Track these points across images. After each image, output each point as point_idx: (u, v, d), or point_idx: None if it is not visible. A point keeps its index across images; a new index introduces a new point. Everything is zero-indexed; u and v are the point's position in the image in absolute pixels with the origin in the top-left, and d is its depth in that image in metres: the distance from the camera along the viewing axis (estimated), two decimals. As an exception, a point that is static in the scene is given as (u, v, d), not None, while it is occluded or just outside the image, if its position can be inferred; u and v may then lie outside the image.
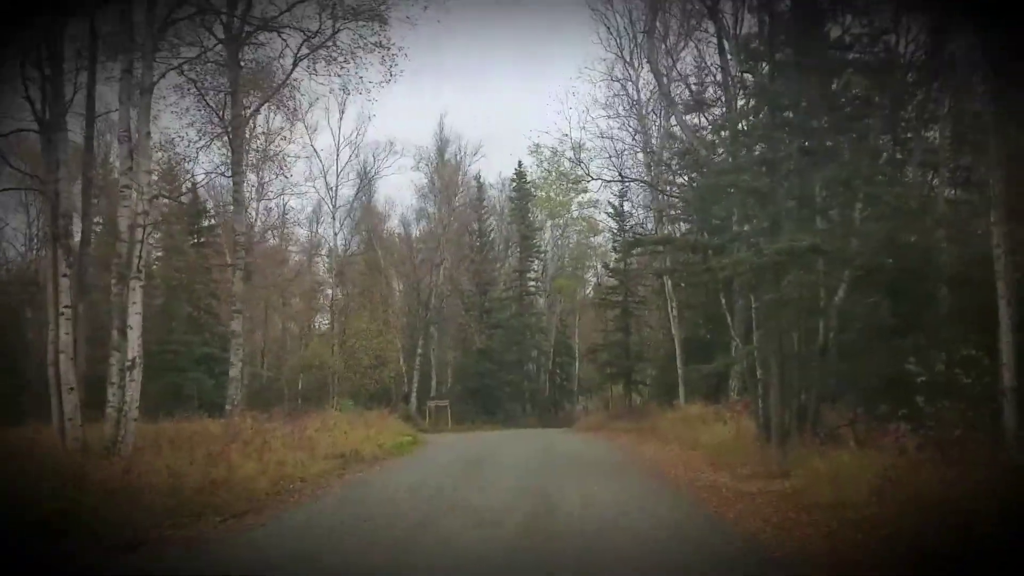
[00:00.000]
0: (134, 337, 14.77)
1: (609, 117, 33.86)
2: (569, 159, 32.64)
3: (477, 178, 54.60)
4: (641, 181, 24.51)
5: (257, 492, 12.92)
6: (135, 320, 14.82)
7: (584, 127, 54.53)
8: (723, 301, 22.49)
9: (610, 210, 36.59)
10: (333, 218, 43.41)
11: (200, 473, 12.90)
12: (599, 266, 49.65)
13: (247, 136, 24.36)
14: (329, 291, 42.41)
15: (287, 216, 44.46)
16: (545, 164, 61.99)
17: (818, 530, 9.71)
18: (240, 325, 21.06)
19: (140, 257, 15.02)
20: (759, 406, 19.05)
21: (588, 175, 24.36)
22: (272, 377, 45.94)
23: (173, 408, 34.74)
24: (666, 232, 30.71)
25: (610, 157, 31.84)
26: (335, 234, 43.99)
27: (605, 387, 42.09)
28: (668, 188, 23.03)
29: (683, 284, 30.87)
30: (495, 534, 9.84)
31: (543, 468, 18.12)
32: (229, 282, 45.88)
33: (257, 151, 42.99)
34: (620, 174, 29.58)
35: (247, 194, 43.06)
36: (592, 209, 58.83)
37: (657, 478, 15.98)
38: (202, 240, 44.47)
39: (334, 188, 44.16)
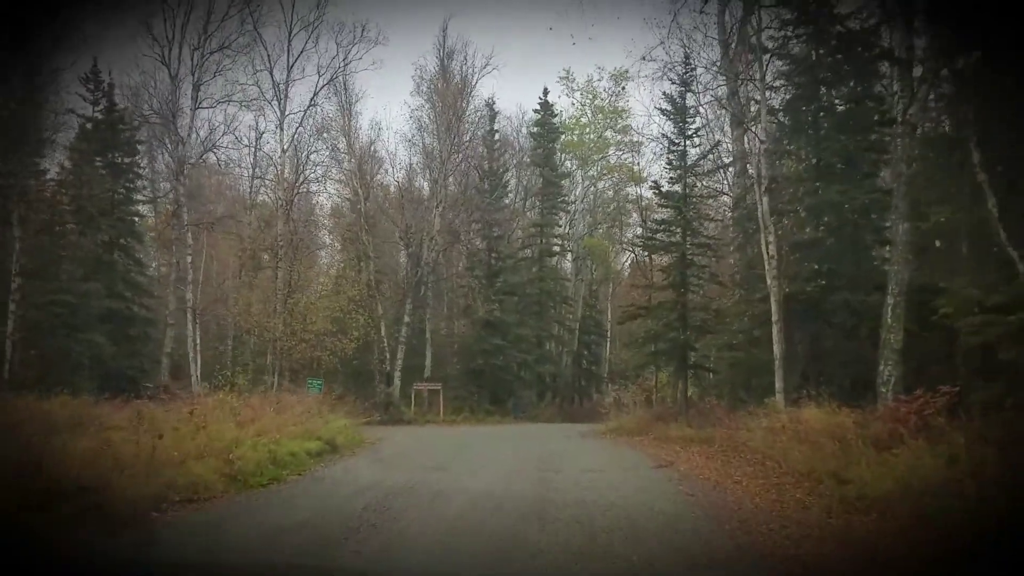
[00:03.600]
0: None
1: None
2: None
3: (489, 104, 42.96)
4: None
5: None
6: None
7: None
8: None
9: (665, 105, 24.71)
10: (279, 128, 32.03)
11: None
12: (642, 191, 37.14)
13: None
14: (280, 231, 30.96)
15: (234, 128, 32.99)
16: (578, 95, 51.07)
17: None
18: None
19: None
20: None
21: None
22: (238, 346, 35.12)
23: (52, 381, 24.85)
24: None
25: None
26: (282, 151, 32.62)
27: (645, 372, 30.60)
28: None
29: (799, 203, 19.15)
30: None
31: None
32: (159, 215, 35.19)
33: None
34: None
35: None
36: (632, 155, 48.09)
37: None
38: (119, 160, 33.59)
39: (283, 86, 32.36)
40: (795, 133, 20.08)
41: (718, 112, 26.39)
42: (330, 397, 25.22)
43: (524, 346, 42.56)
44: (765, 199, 18.65)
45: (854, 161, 19.07)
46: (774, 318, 17.93)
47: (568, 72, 46.99)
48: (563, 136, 47.61)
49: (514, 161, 47.85)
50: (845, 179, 18.91)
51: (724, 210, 27.53)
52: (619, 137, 47.14)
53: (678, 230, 24.29)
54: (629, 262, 52.25)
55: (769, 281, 18.27)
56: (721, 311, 23.09)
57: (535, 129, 46.22)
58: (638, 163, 46.72)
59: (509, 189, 46.16)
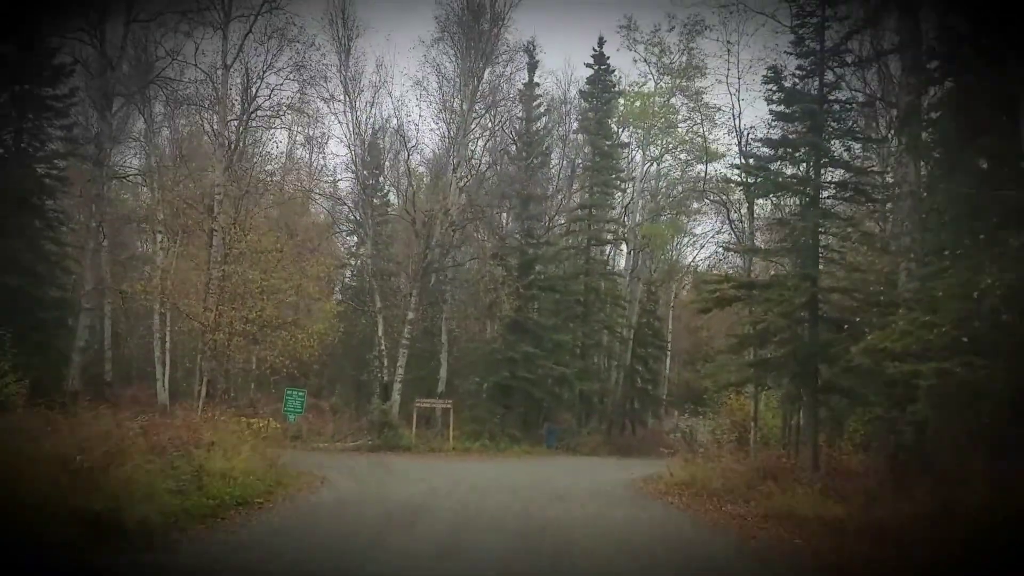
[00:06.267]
0: None
1: None
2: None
3: (528, 49, 33.87)
4: None
5: None
6: None
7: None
8: None
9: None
10: (222, 35, 22.52)
11: None
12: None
13: None
14: (218, 194, 21.89)
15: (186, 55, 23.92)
16: (641, 48, 41.21)
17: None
18: None
19: None
20: None
21: None
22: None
23: None
24: None
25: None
26: (224, 66, 22.99)
27: (733, 395, 21.03)
28: None
29: None
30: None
31: None
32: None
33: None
34: None
35: None
36: (707, 126, 38.29)
37: None
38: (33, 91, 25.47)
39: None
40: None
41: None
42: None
43: (563, 357, 33.32)
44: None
45: None
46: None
47: (630, 20, 37.50)
48: (621, 103, 38.35)
49: (559, 130, 38.74)
50: None
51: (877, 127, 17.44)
52: (691, 104, 37.45)
53: (805, 156, 14.70)
54: (701, 257, 42.58)
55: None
56: (883, 291, 13.29)
57: (586, 88, 37.00)
58: (716, 136, 37.06)
59: (551, 158, 37.03)
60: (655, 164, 40.06)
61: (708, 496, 14.74)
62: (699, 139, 37.74)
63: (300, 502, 12.23)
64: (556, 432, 32.56)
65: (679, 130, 38.38)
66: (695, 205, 40.23)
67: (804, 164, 15.08)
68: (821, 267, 14.70)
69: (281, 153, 31.85)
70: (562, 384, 33.81)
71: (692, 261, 44.29)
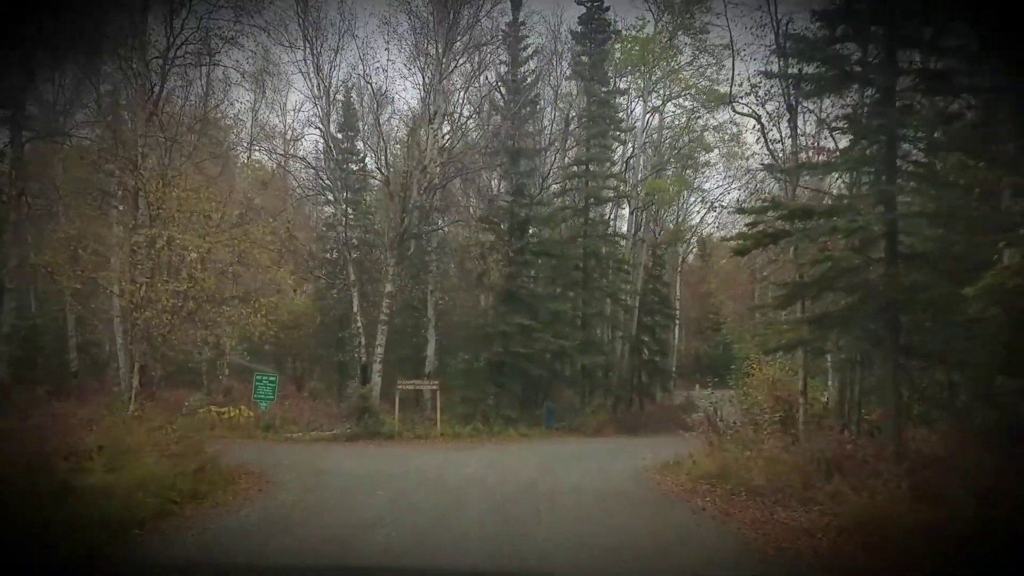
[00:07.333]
0: None
1: None
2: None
3: (512, -16, 30.21)
4: None
5: None
6: None
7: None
8: None
9: None
10: None
11: None
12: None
13: None
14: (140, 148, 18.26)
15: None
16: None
17: None
18: None
19: None
20: None
21: None
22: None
23: None
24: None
25: None
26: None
27: (750, 366, 17.92)
28: None
29: None
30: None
31: None
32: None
33: None
34: None
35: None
36: (713, 69, 34.47)
37: None
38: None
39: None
40: None
41: None
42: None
43: (562, 328, 29.94)
44: None
45: None
46: None
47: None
48: (618, 49, 34.69)
49: (551, 79, 35.00)
50: None
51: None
52: (696, 42, 33.67)
53: (860, 39, 10.80)
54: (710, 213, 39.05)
55: None
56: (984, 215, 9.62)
57: (579, 28, 33.35)
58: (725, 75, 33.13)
59: (540, 107, 33.44)
60: (657, 114, 36.60)
61: (749, 496, 11.42)
62: (706, 82, 34.06)
63: (197, 529, 8.90)
64: (556, 411, 29.33)
65: (683, 75, 34.80)
66: (703, 157, 36.67)
67: (862, 51, 11.33)
68: (900, 184, 10.96)
69: (221, 98, 28.32)
70: (562, 358, 30.50)
71: (712, 203, 40.01)
